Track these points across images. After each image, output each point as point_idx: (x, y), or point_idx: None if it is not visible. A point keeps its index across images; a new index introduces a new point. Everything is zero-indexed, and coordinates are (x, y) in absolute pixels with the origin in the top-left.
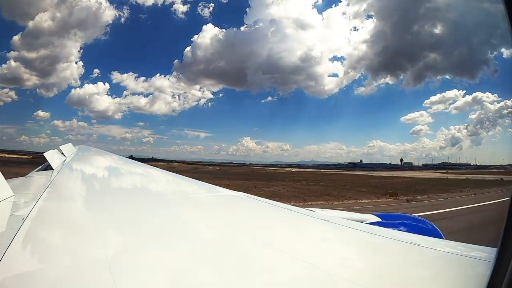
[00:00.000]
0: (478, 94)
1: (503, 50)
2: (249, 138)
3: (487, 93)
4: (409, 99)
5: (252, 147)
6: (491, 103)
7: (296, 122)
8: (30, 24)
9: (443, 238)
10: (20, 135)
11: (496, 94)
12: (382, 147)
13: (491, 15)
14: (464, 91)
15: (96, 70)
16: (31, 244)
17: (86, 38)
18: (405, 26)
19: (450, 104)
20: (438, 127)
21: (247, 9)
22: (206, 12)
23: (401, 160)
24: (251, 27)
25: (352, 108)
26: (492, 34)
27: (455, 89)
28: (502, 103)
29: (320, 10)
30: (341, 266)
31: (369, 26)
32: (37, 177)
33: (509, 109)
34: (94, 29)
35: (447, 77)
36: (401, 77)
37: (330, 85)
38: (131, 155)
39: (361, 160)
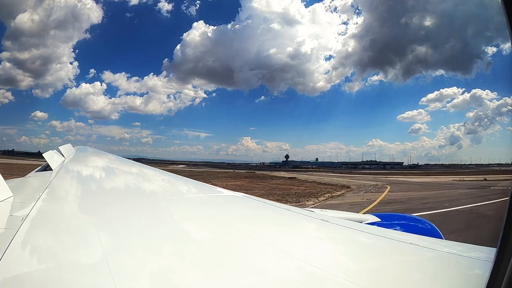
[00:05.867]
0: (477, 91)
1: (502, 46)
2: (249, 138)
3: (486, 90)
4: (405, 97)
5: (252, 147)
6: (490, 100)
7: (293, 121)
8: (20, 24)
9: (442, 238)
10: (20, 136)
11: (495, 92)
12: (382, 146)
13: (486, 7)
14: (463, 89)
15: (92, 70)
16: (30, 244)
17: (72, 39)
18: (394, 19)
19: (447, 102)
20: (437, 125)
21: (238, 9)
22: (192, 10)
23: (286, 156)
24: (240, 24)
25: (348, 107)
26: (487, 27)
27: (454, 87)
28: (501, 101)
29: (308, 4)
30: (339, 266)
31: (358, 21)
32: (36, 178)
33: (509, 107)
34: (79, 29)
35: (443, 73)
36: (392, 72)
37: (321, 82)
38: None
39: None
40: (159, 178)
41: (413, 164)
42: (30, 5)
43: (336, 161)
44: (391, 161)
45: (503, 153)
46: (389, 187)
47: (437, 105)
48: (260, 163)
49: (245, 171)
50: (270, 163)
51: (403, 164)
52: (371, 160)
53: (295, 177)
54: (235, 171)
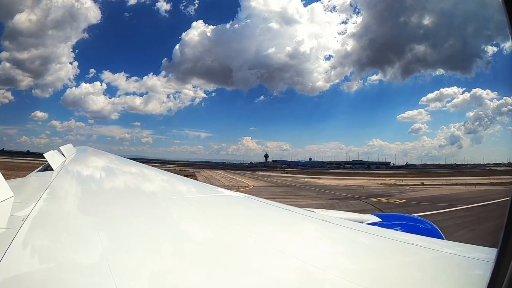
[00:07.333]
0: (477, 91)
1: (502, 45)
2: (250, 138)
3: (486, 90)
4: (404, 97)
5: (252, 146)
6: (490, 100)
7: (293, 121)
8: (18, 24)
9: (443, 239)
10: (20, 136)
11: (496, 92)
12: (383, 146)
13: (485, 6)
14: (464, 89)
15: (92, 70)
16: (31, 244)
17: (71, 39)
18: (393, 18)
19: (448, 102)
20: (437, 125)
21: (238, 8)
22: (191, 10)
23: (266, 156)
24: (239, 23)
25: (348, 107)
26: (487, 26)
27: (455, 87)
28: (502, 100)
29: (307, 3)
30: (339, 266)
31: (357, 20)
32: (37, 178)
33: (509, 107)
34: (77, 29)
35: (443, 72)
36: (391, 71)
37: (320, 82)
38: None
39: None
40: (160, 178)
41: (407, 164)
42: (28, 5)
43: (331, 161)
44: (391, 161)
45: (503, 153)
46: (251, 186)
47: (437, 104)
48: (250, 162)
49: (179, 168)
50: (260, 162)
51: (390, 164)
52: (355, 160)
53: (193, 174)
54: (175, 168)
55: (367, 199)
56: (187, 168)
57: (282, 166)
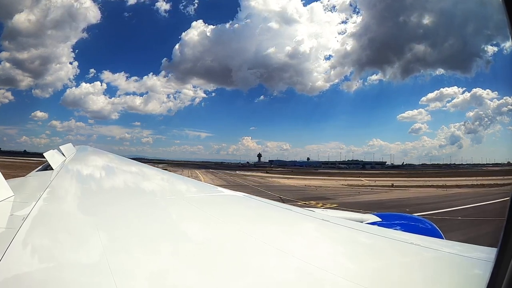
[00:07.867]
0: (478, 91)
1: (503, 45)
2: (250, 137)
3: (487, 90)
4: (404, 97)
5: (252, 146)
6: (491, 100)
7: (293, 121)
8: (18, 24)
9: (443, 238)
10: (21, 136)
11: (496, 92)
12: (383, 146)
13: (485, 5)
14: (464, 88)
15: (92, 70)
16: (31, 244)
17: (70, 39)
18: (393, 17)
19: (448, 102)
20: (437, 125)
21: (238, 8)
22: (190, 9)
23: (259, 155)
24: (239, 23)
25: (348, 106)
26: (486, 25)
27: (455, 86)
28: (502, 100)
29: (306, 3)
30: (339, 266)
31: (357, 20)
32: (37, 177)
33: (509, 107)
34: (76, 29)
35: (443, 72)
36: (391, 71)
37: (319, 82)
38: None
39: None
40: (160, 178)
41: (403, 164)
42: (27, 5)
43: (326, 161)
44: (389, 161)
45: (503, 153)
46: None
47: (437, 104)
48: (246, 162)
49: (163, 168)
50: (255, 162)
51: (386, 164)
52: (350, 160)
53: None
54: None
55: (295, 202)
56: (169, 167)
57: (272, 166)
